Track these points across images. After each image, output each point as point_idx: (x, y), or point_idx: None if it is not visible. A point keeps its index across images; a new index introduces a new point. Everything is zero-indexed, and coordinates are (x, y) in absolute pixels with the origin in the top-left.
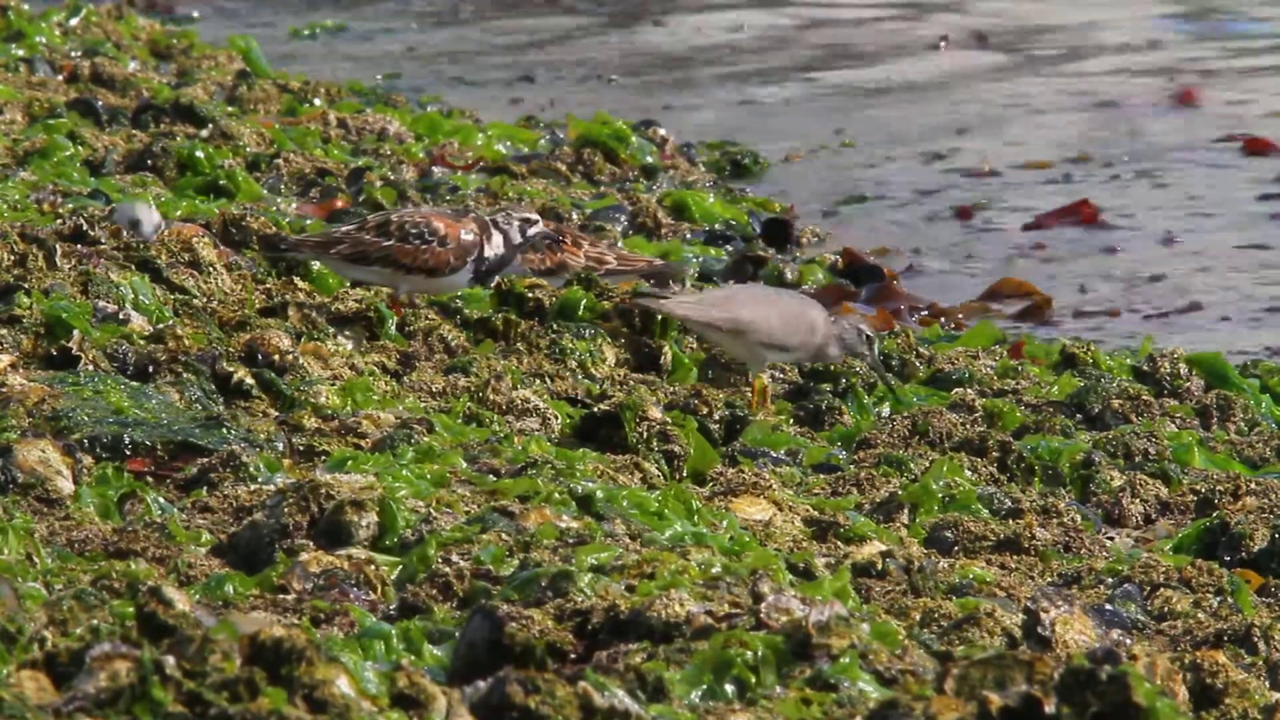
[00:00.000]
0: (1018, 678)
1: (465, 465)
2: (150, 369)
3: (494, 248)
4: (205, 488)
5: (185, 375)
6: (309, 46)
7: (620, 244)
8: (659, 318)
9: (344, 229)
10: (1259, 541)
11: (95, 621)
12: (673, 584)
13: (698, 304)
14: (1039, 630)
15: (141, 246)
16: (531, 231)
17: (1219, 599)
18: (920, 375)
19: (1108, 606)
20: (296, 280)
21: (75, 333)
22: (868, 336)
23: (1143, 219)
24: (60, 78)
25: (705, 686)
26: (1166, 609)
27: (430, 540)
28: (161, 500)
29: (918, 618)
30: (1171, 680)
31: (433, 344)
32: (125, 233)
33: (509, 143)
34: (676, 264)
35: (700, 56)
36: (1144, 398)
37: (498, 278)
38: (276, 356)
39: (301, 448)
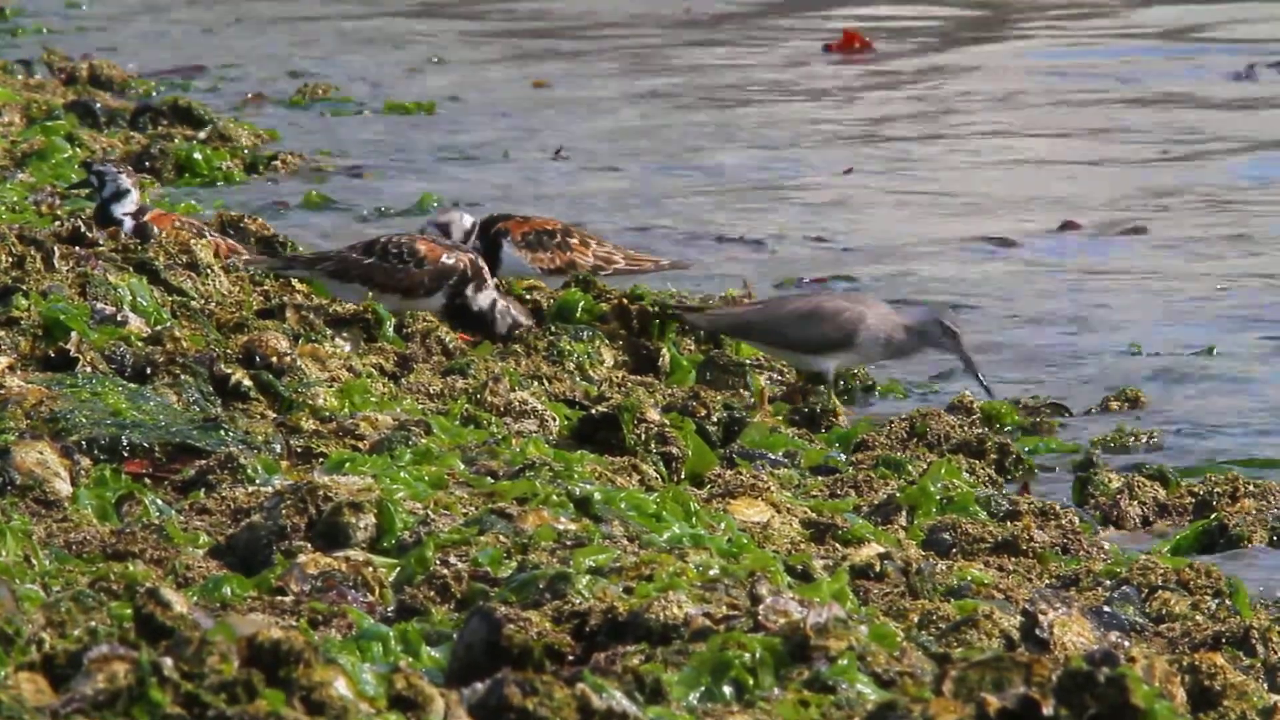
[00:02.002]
0: (1016, 680)
1: (463, 467)
2: (148, 371)
3: (481, 298)
4: (203, 489)
5: (183, 377)
6: None
7: None
8: (657, 321)
9: (335, 248)
10: (1257, 543)
11: (93, 623)
12: (671, 586)
13: (712, 311)
14: (1037, 632)
15: (140, 248)
16: (497, 309)
17: (1217, 601)
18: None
19: (1106, 608)
20: (294, 282)
21: (73, 334)
22: (950, 330)
23: None
24: (58, 79)
25: (703, 688)
26: (1165, 611)
27: (428, 542)
28: (159, 502)
29: (916, 619)
30: (1169, 682)
31: (430, 346)
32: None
33: None
34: (684, 264)
35: None
36: (1142, 400)
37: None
38: (274, 358)
39: (299, 449)
